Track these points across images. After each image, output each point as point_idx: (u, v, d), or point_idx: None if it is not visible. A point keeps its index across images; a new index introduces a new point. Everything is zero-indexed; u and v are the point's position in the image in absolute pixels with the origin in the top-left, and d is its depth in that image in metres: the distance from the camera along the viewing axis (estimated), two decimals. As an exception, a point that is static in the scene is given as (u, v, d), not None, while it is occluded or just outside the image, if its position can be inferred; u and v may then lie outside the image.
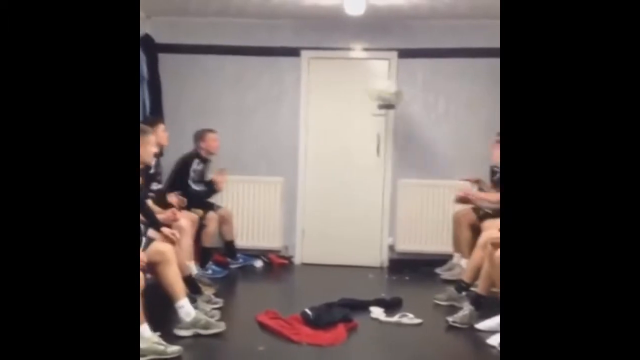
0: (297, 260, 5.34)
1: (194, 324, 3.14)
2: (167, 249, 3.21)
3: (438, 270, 4.80)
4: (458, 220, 4.67)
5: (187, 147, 4.76)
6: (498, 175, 4.63)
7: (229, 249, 4.98)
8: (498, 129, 4.34)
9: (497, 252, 3.26)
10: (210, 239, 4.66)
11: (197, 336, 3.15)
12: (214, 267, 4.70)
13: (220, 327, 3.20)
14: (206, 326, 3.16)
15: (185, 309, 3.16)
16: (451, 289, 3.97)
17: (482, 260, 3.65)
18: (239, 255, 5.01)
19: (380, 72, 5.23)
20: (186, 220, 4.13)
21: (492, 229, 3.77)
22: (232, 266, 4.90)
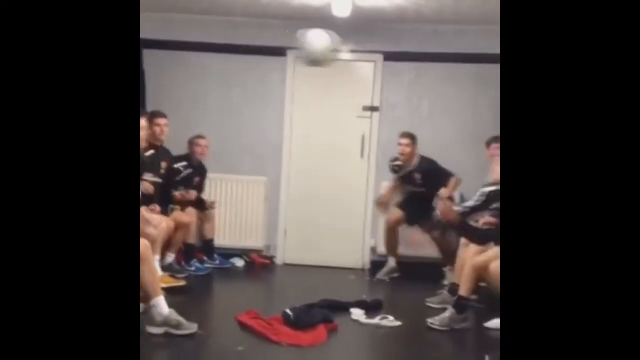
0: (279, 260, 5.34)
1: (165, 322, 3.12)
2: (143, 247, 3.13)
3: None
4: (392, 225, 4.89)
5: (170, 142, 4.72)
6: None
7: (208, 247, 4.98)
8: (483, 135, 4.48)
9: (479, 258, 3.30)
10: (190, 236, 4.70)
11: (174, 336, 3.12)
12: (197, 264, 4.72)
13: (192, 328, 3.15)
14: (178, 326, 3.14)
15: (158, 308, 3.12)
16: (445, 293, 3.99)
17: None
18: (216, 256, 5.00)
19: (366, 75, 5.26)
20: (153, 229, 3.80)
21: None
22: (208, 265, 4.88)
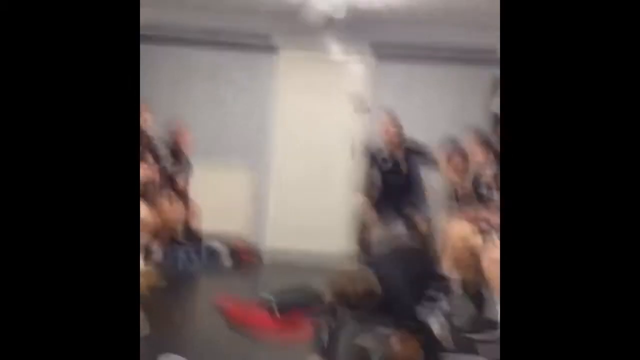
0: (263, 251, 5.32)
1: None
2: None
3: None
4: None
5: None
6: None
7: (191, 237, 4.95)
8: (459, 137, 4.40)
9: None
10: (176, 229, 4.67)
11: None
12: (182, 257, 4.71)
13: None
14: None
15: None
16: None
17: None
18: (202, 249, 4.96)
19: (356, 75, 5.28)
20: None
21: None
22: (191, 255, 4.84)
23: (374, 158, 4.78)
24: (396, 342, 2.65)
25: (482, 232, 3.57)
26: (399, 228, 4.88)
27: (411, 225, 4.75)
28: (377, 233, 4.83)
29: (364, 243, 4.85)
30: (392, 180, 4.76)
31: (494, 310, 3.18)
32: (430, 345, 2.53)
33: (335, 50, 5.29)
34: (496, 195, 3.78)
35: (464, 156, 4.33)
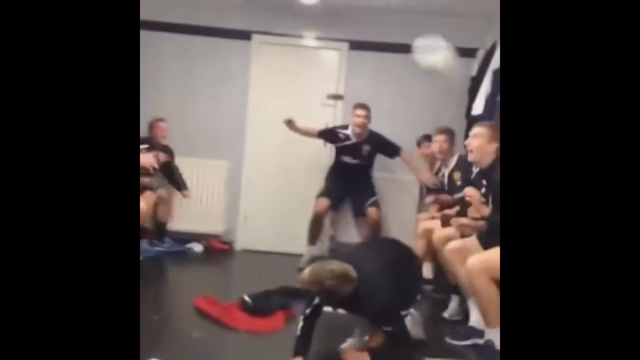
0: (238, 246, 5.30)
1: None
2: None
3: None
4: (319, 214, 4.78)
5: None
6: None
7: (159, 230, 4.92)
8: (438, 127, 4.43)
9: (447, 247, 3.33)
10: (143, 218, 4.56)
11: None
12: (146, 246, 4.66)
13: None
14: None
15: None
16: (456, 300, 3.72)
17: (424, 248, 3.81)
18: (167, 239, 4.94)
19: (331, 63, 5.25)
20: None
21: (433, 224, 3.87)
22: (157, 249, 4.80)
23: (334, 132, 4.82)
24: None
25: (445, 222, 3.61)
26: (348, 215, 4.94)
27: (360, 212, 4.79)
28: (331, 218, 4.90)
29: (314, 233, 4.82)
30: (348, 159, 4.81)
31: (474, 313, 3.17)
32: (399, 337, 2.55)
33: (310, 36, 5.24)
34: (460, 186, 3.83)
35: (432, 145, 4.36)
